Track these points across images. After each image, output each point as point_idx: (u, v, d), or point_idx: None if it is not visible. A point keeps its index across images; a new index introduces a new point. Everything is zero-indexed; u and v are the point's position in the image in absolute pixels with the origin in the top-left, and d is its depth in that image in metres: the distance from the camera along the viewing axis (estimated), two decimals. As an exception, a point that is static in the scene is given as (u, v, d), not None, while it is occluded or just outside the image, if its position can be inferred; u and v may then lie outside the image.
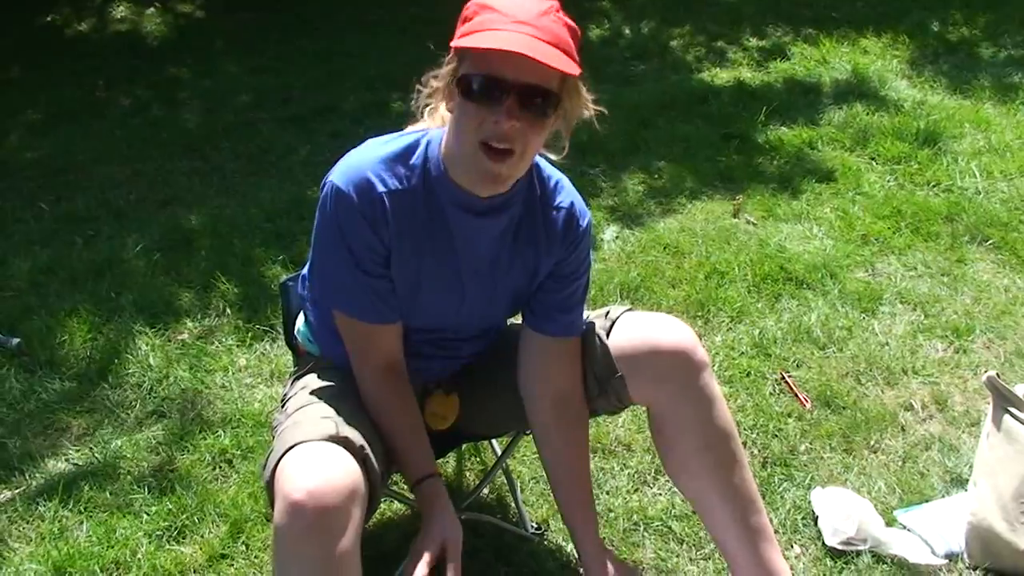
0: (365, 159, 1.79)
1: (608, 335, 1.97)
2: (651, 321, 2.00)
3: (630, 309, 2.04)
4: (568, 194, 1.93)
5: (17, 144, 4.51)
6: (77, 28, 6.10)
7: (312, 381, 1.96)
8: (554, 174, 1.92)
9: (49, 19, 6.15)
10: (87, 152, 4.37)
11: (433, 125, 1.84)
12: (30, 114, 4.82)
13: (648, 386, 1.95)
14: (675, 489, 2.43)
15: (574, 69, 1.63)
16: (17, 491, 2.54)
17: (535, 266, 1.92)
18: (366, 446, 1.73)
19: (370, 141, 1.82)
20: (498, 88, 1.62)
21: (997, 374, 2.28)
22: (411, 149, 1.81)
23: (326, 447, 1.68)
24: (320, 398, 1.87)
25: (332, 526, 1.61)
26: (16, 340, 3.04)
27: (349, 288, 1.83)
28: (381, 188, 1.77)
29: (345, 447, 1.69)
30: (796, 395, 2.78)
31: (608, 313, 2.03)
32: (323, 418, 1.77)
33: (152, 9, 6.27)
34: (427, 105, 1.83)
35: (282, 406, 1.98)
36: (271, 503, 1.67)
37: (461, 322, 1.97)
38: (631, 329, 1.97)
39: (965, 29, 5.47)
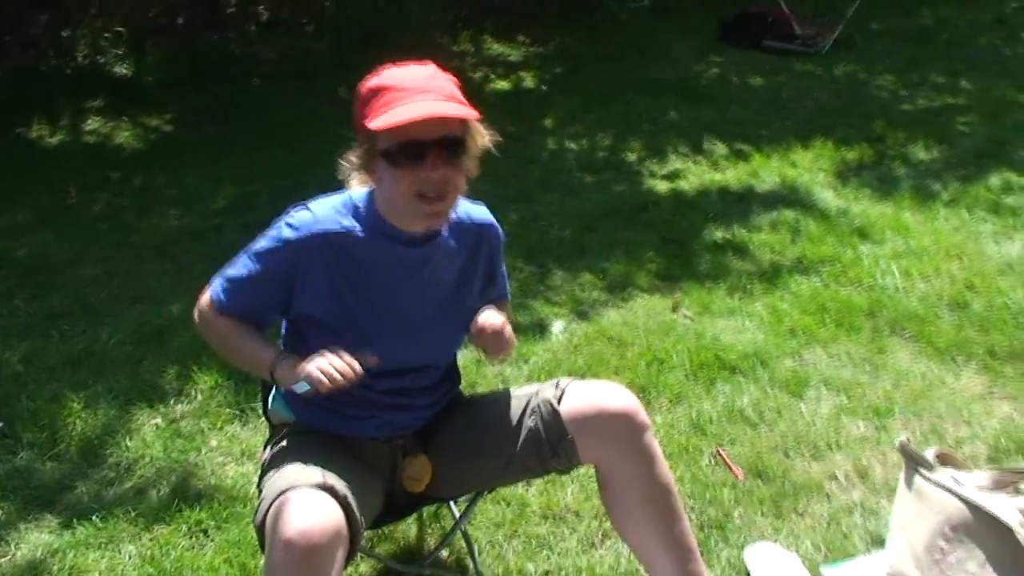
0: (319, 208, 2.11)
1: (559, 402, 2.21)
2: (597, 388, 2.25)
3: (577, 379, 2.30)
4: (481, 212, 2.28)
5: (-6, 246, 4.71)
6: (49, 140, 6.35)
7: (293, 441, 2.18)
8: (464, 205, 2.23)
9: (22, 131, 6.40)
10: (61, 254, 4.58)
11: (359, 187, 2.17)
12: (5, 218, 5.02)
13: (596, 445, 2.18)
14: (621, 551, 2.66)
15: (473, 113, 1.99)
16: (3, 559, 2.69)
17: (477, 270, 2.25)
18: (348, 496, 1.95)
19: (319, 199, 2.14)
20: (419, 149, 1.95)
21: (908, 439, 2.54)
22: (355, 201, 2.13)
23: (314, 493, 1.90)
24: (303, 453, 2.08)
25: (319, 563, 1.82)
26: (1, 424, 3.21)
27: (236, 286, 2.13)
28: (335, 228, 2.08)
29: (331, 494, 1.91)
30: (730, 467, 3.02)
31: (558, 384, 2.27)
32: (309, 469, 1.99)
33: (121, 122, 6.55)
34: (350, 177, 2.15)
35: (265, 466, 2.18)
36: (262, 545, 1.88)
37: (417, 353, 2.21)
38: (579, 396, 2.22)
39: (887, 144, 5.89)
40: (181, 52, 7.73)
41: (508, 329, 2.16)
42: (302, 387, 1.98)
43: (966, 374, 3.51)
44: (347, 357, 1.98)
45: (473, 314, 2.18)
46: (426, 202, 2.01)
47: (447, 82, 2.03)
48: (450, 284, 2.21)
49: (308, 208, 2.11)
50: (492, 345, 2.16)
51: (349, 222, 2.10)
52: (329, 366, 1.96)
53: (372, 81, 2.02)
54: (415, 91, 1.97)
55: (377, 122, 1.94)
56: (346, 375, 1.96)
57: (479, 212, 2.26)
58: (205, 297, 2.18)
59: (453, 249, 2.19)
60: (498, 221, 2.29)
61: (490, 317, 2.15)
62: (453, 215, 2.14)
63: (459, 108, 1.98)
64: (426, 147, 1.96)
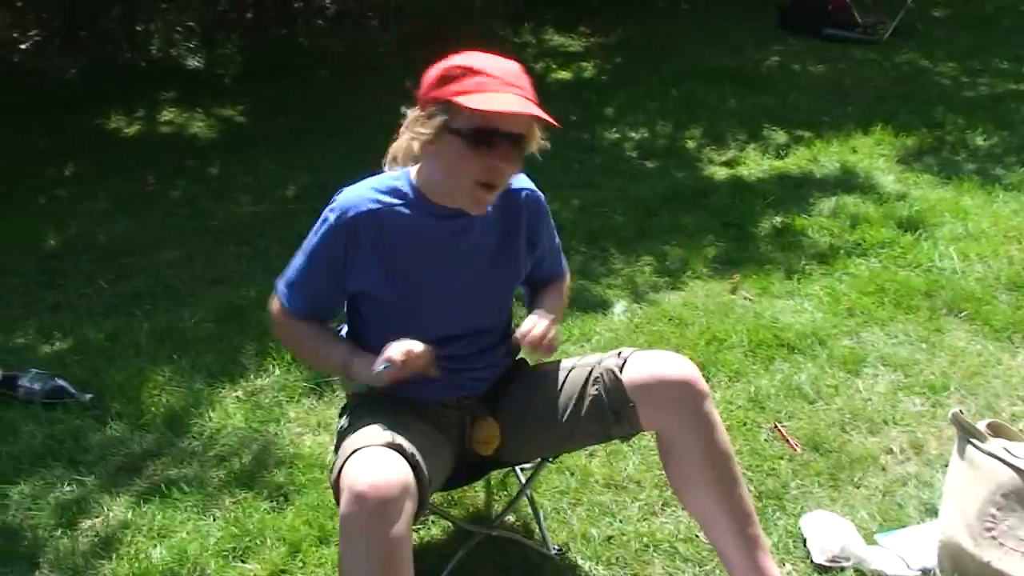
0: (357, 189, 2.25)
1: (621, 371, 2.32)
2: (658, 357, 2.34)
3: (638, 349, 2.41)
4: (521, 179, 2.36)
5: (77, 232, 4.93)
6: (127, 131, 6.59)
7: (366, 408, 2.31)
8: None
9: (100, 122, 6.64)
10: (141, 239, 4.79)
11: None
12: (88, 205, 5.25)
13: (657, 413, 2.28)
14: (681, 518, 2.77)
15: (554, 121, 2.09)
16: (97, 519, 2.87)
17: (517, 240, 2.36)
18: (416, 454, 2.08)
19: (357, 183, 2.28)
20: (499, 139, 2.07)
21: (961, 411, 2.62)
22: (391, 181, 2.26)
23: (384, 451, 2.04)
24: (375, 417, 2.22)
25: (389, 513, 1.96)
26: (89, 395, 3.40)
27: (297, 286, 2.28)
28: (375, 206, 2.21)
29: (399, 452, 2.05)
30: (787, 441, 3.12)
31: (620, 353, 2.38)
32: (380, 430, 2.13)
33: (195, 113, 6.77)
34: (394, 158, 2.28)
35: (341, 431, 2.33)
36: (337, 500, 2.03)
37: (465, 319, 2.34)
38: (641, 364, 2.31)
39: (946, 130, 5.90)
40: (251, 45, 7.95)
41: (551, 334, 2.27)
42: (383, 366, 2.11)
43: (1022, 354, 3.56)
44: (408, 343, 2.13)
45: (519, 279, 2.40)
46: (484, 189, 2.14)
47: (529, 83, 2.14)
48: (491, 251, 2.32)
49: (346, 192, 2.25)
50: (537, 349, 2.28)
51: (389, 199, 2.23)
52: (402, 348, 2.11)
53: (462, 60, 2.11)
54: (507, 84, 2.08)
55: (471, 101, 2.05)
56: (420, 355, 2.12)
57: (518, 179, 2.35)
58: (274, 304, 2.34)
59: (491, 217, 2.29)
60: (560, 206, 2.41)
61: (530, 324, 2.28)
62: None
63: (544, 112, 2.09)
64: (503, 138, 2.08)
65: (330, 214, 2.22)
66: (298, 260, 2.29)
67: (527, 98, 2.09)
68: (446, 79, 2.11)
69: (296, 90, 7.21)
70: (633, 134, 6.18)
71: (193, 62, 7.77)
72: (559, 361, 2.46)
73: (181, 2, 8.33)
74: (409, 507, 2.00)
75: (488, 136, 2.07)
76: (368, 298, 2.29)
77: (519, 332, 2.27)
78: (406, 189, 2.25)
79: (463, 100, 2.06)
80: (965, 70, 7.15)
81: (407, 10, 8.34)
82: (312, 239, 2.26)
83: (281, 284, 2.32)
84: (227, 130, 6.63)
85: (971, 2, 8.92)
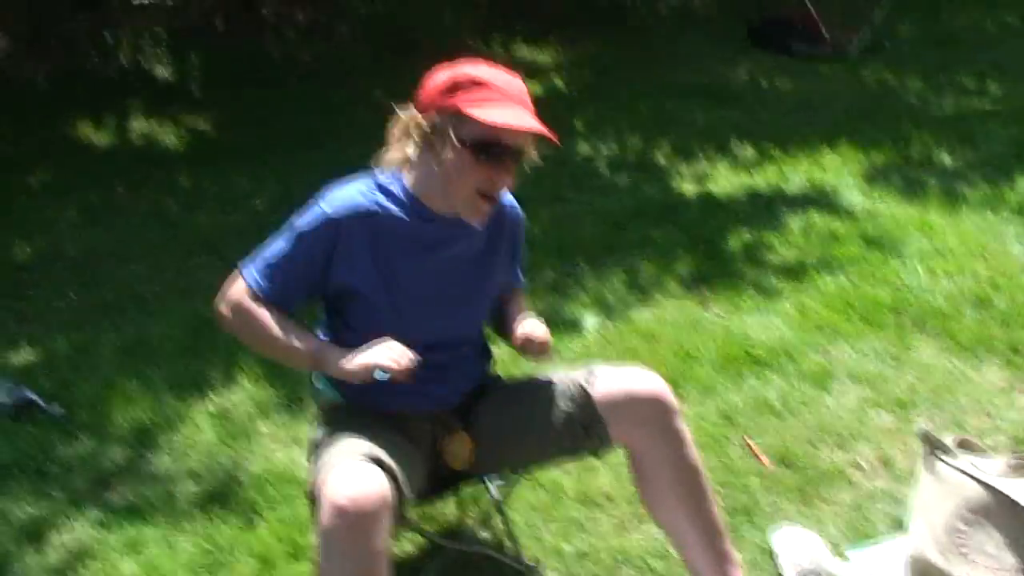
0: (351, 188, 2.25)
1: (591, 386, 2.33)
2: (627, 373, 2.36)
3: (608, 365, 2.42)
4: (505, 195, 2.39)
5: (45, 242, 4.89)
6: (95, 140, 6.54)
7: (340, 420, 2.31)
8: None
9: (68, 130, 6.59)
10: (110, 249, 4.76)
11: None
12: (56, 215, 5.22)
13: (626, 428, 2.30)
14: (653, 533, 2.78)
15: (556, 140, 2.14)
16: (66, 534, 2.85)
17: (500, 249, 2.39)
18: (394, 466, 2.09)
19: (347, 181, 2.28)
20: (504, 153, 2.12)
21: (928, 426, 2.66)
22: (381, 183, 2.26)
23: (363, 464, 2.05)
24: (350, 429, 2.22)
25: (370, 528, 1.96)
26: (59, 408, 3.37)
27: (276, 268, 2.24)
28: (371, 206, 2.21)
29: (377, 464, 2.06)
30: (757, 456, 3.14)
31: (590, 368, 2.40)
32: (358, 442, 2.13)
33: (165, 123, 6.74)
34: (386, 158, 2.27)
35: (315, 443, 2.32)
36: (314, 514, 2.02)
37: (448, 327, 2.35)
38: (610, 380, 2.33)
39: (913, 147, 5.98)
40: (221, 55, 7.91)
41: (550, 340, 2.34)
42: (380, 375, 2.12)
43: (988, 369, 3.61)
44: (398, 345, 2.14)
45: (496, 289, 2.42)
46: (484, 200, 2.18)
47: (531, 100, 2.20)
48: (476, 261, 2.35)
49: (341, 188, 2.25)
50: (536, 352, 2.32)
51: (384, 200, 2.24)
52: (393, 352, 2.13)
53: (470, 70, 2.15)
54: (515, 99, 2.15)
55: (482, 113, 2.09)
56: (408, 358, 2.13)
57: (511, 197, 2.42)
58: (237, 286, 2.26)
59: (479, 228, 2.32)
60: (530, 220, 2.45)
61: (535, 328, 2.32)
62: None
63: (548, 130, 2.15)
64: (507, 152, 2.13)
65: (324, 206, 2.21)
66: (278, 244, 2.25)
67: (534, 114, 2.15)
68: (456, 87, 2.13)
69: (266, 100, 7.19)
70: (603, 148, 6.21)
71: (161, 71, 7.72)
72: (530, 375, 2.48)
73: (150, 10, 8.28)
74: (387, 521, 2.00)
75: (493, 148, 2.11)
76: (354, 297, 2.27)
77: (519, 333, 2.31)
78: (399, 193, 2.25)
79: (473, 111, 2.09)
80: (931, 87, 7.23)
81: (377, 21, 8.34)
82: (299, 227, 2.23)
83: (250, 267, 2.26)
84: (196, 140, 6.60)
85: (938, 20, 9.02)
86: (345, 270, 2.23)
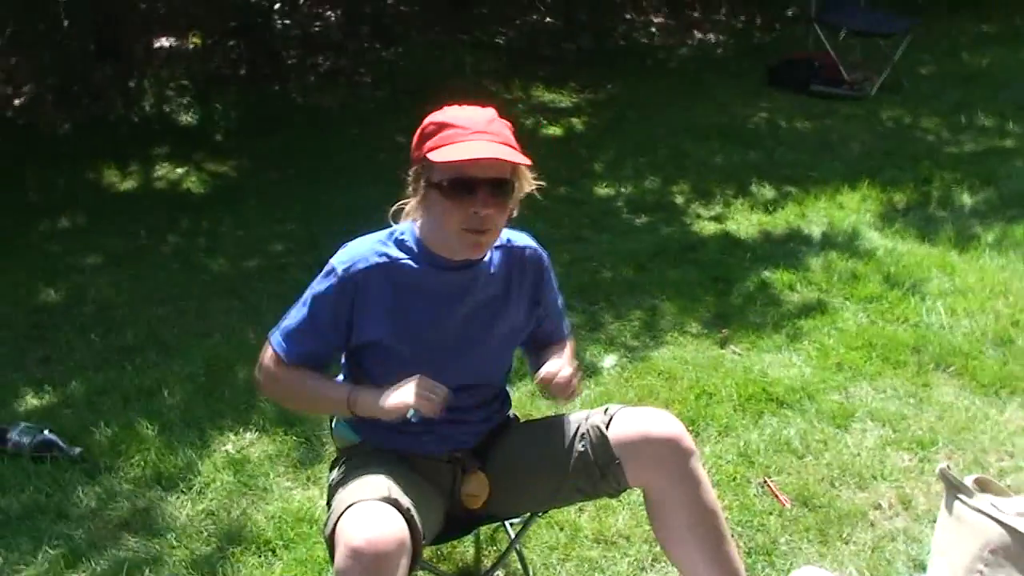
0: (364, 243, 2.28)
1: (607, 427, 2.33)
2: (644, 414, 2.36)
3: (625, 406, 2.42)
4: (523, 238, 2.41)
5: (68, 286, 4.95)
6: (120, 186, 6.63)
7: (358, 461, 2.32)
8: (506, 232, 2.36)
9: (93, 177, 6.69)
10: (132, 292, 4.81)
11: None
12: (80, 260, 5.28)
13: (643, 470, 2.29)
14: (670, 574, 2.77)
15: (524, 160, 2.15)
16: (85, 574, 2.86)
17: (518, 293, 2.38)
18: (411, 508, 2.09)
19: (362, 236, 2.31)
20: (471, 186, 2.12)
21: (948, 466, 2.63)
22: (397, 234, 2.30)
23: (380, 505, 2.05)
24: (368, 470, 2.23)
25: (385, 569, 1.96)
26: (78, 449, 3.39)
27: (297, 333, 2.28)
28: (383, 259, 2.24)
29: (394, 506, 2.06)
30: (777, 496, 3.12)
31: (607, 410, 2.39)
32: (375, 483, 2.14)
33: (189, 168, 6.83)
34: (400, 210, 2.31)
35: (333, 484, 2.33)
36: (332, 555, 2.03)
37: (468, 371, 2.34)
38: (627, 422, 2.33)
39: (933, 186, 5.97)
40: (244, 101, 8.02)
41: (575, 381, 2.32)
42: (413, 415, 2.14)
43: (1010, 408, 3.58)
44: (426, 380, 2.16)
45: (522, 335, 2.40)
46: (471, 233, 2.18)
47: (504, 127, 2.21)
48: (495, 306, 2.35)
49: (353, 245, 2.29)
50: (559, 394, 2.31)
51: (396, 252, 2.27)
52: (425, 391, 2.14)
53: (436, 116, 2.19)
54: (475, 132, 2.14)
55: (437, 155, 2.12)
56: (440, 394, 2.15)
57: (520, 238, 2.41)
58: (267, 354, 2.33)
59: (496, 273, 2.34)
60: (551, 260, 2.44)
61: (558, 369, 2.30)
62: (496, 241, 2.30)
63: (512, 153, 2.15)
64: (477, 185, 2.13)
65: (337, 266, 2.24)
66: (298, 311, 2.29)
67: (497, 142, 2.15)
68: (424, 137, 2.18)
69: (288, 145, 7.27)
70: (622, 189, 6.23)
71: (186, 118, 7.82)
72: (547, 417, 2.47)
73: (174, 58, 8.42)
74: (404, 563, 2.01)
75: (458, 184, 2.13)
76: (375, 350, 2.29)
77: (541, 374, 2.30)
78: (411, 243, 2.28)
79: (432, 156, 2.13)
80: (950, 126, 7.23)
81: (399, 67, 8.45)
82: (316, 290, 2.27)
83: (276, 335, 2.32)
84: (219, 185, 6.68)
85: (956, 59, 9.03)
86: (365, 326, 2.26)
